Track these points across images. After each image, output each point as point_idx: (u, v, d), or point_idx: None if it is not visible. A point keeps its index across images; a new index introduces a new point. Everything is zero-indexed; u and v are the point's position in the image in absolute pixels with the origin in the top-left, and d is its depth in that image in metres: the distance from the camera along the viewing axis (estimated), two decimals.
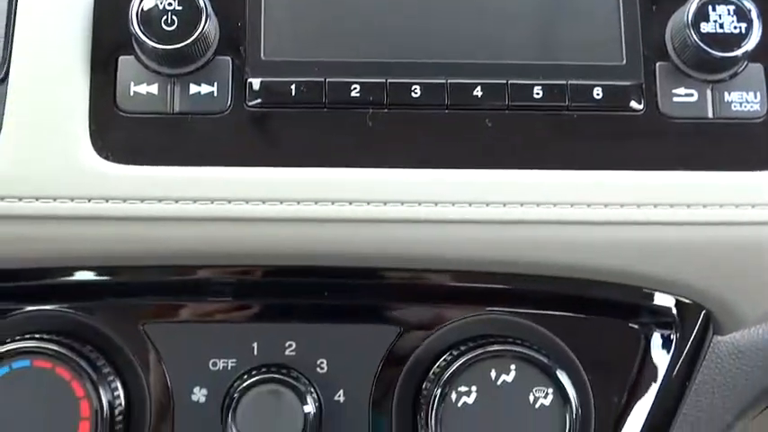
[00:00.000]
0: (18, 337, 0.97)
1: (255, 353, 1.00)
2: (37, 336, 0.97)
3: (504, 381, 0.98)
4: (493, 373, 0.98)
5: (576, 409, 0.97)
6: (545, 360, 0.98)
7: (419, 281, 1.01)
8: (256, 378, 0.98)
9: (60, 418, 0.95)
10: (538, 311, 1.02)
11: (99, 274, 0.99)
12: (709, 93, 0.97)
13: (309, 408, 0.98)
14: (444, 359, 0.99)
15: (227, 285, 1.01)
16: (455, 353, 0.99)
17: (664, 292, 1.03)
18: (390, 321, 1.01)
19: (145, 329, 1.00)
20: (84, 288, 1.00)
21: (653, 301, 1.03)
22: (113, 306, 1.00)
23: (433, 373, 0.99)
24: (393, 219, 0.93)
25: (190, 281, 1.00)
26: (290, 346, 1.01)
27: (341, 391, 1.01)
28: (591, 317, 1.03)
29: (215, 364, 1.00)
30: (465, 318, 1.02)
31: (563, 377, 0.98)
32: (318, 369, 1.01)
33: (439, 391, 0.97)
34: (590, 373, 1.02)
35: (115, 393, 0.97)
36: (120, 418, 0.97)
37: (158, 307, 1.01)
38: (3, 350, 0.95)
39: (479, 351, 0.98)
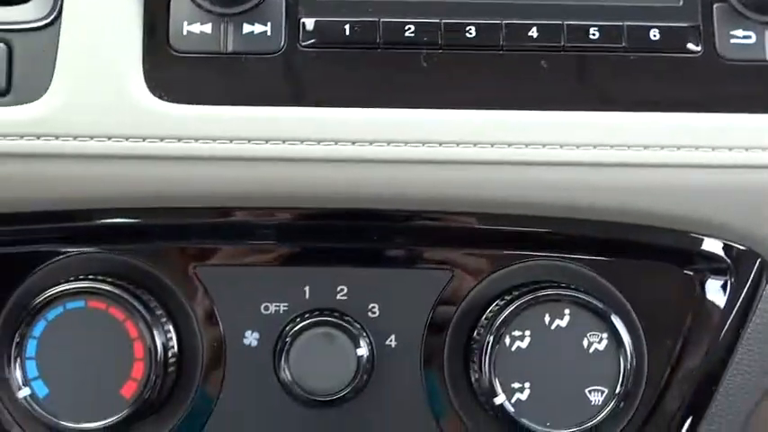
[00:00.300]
0: (72, 279, 0.97)
1: (307, 297, 1.00)
2: (90, 277, 0.97)
3: (557, 325, 0.97)
4: (547, 318, 0.97)
5: (631, 355, 0.97)
6: (600, 305, 0.97)
7: (471, 225, 1.00)
8: (309, 321, 0.98)
9: (114, 358, 0.95)
10: (591, 257, 1.01)
11: (151, 217, 0.99)
12: (767, 35, 0.95)
13: (362, 351, 0.97)
14: (497, 304, 0.99)
15: (278, 229, 1.01)
16: (508, 297, 0.98)
17: (715, 237, 1.01)
18: (442, 266, 1.01)
19: (197, 273, 1.00)
20: (136, 230, 1.00)
21: (702, 246, 1.02)
22: (166, 249, 1.00)
23: (486, 318, 0.99)
24: (448, 160, 0.92)
25: (242, 224, 1.00)
26: (342, 290, 1.00)
27: (392, 337, 1.01)
28: (644, 262, 1.02)
29: (267, 308, 1.00)
30: (518, 263, 1.01)
31: (617, 322, 0.97)
32: (370, 314, 1.00)
33: (492, 335, 0.97)
34: (643, 320, 1.01)
35: (168, 336, 0.98)
36: (172, 360, 0.97)
37: (210, 250, 1.00)
38: (57, 291, 0.95)
39: (533, 295, 0.97)
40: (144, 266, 0.99)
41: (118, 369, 0.95)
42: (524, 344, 0.97)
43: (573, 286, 0.98)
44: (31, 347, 0.95)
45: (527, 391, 0.97)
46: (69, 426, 0.95)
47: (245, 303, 1.00)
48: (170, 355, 0.97)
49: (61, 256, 1.00)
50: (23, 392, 0.95)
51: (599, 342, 0.97)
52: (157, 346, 0.95)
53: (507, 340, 0.97)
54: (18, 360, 0.95)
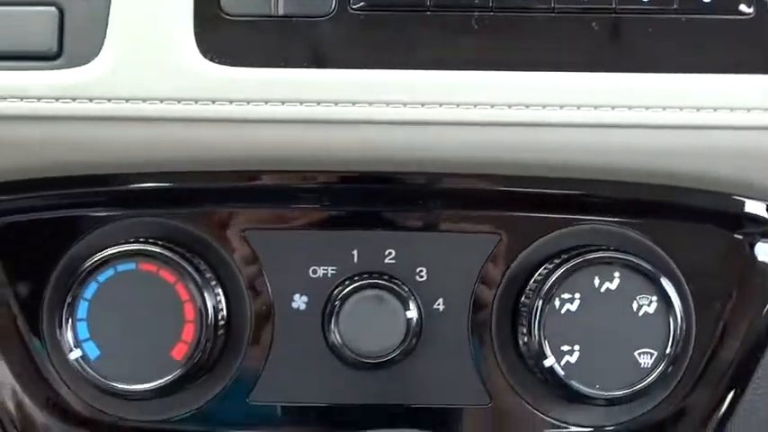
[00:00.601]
0: (122, 242, 0.97)
1: (355, 260, 1.00)
2: (141, 240, 0.97)
3: (607, 288, 0.97)
4: (596, 281, 0.97)
5: (680, 317, 0.97)
6: (650, 267, 0.97)
7: (520, 188, 1.00)
8: (358, 284, 0.98)
9: (165, 321, 0.96)
10: (639, 221, 1.01)
11: (201, 180, 0.99)
12: None
13: (412, 313, 0.98)
14: (546, 267, 0.99)
15: (327, 192, 1.01)
16: (557, 261, 0.98)
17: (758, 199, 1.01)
18: (490, 230, 1.01)
19: (245, 236, 1.00)
20: (186, 194, 1.00)
21: (745, 208, 1.02)
22: (215, 213, 1.00)
23: (535, 281, 0.99)
24: (502, 122, 0.92)
25: (291, 187, 1.00)
26: (390, 254, 1.00)
27: (440, 300, 1.01)
28: (692, 225, 1.02)
29: (315, 272, 1.00)
30: (566, 227, 1.01)
31: (667, 285, 0.97)
32: (418, 277, 1.00)
33: (542, 298, 0.97)
34: (692, 283, 1.01)
35: (218, 299, 0.98)
36: (222, 323, 0.98)
37: (259, 214, 1.01)
38: (108, 253, 0.96)
39: (583, 258, 0.97)
40: (193, 230, 1.00)
41: (168, 331, 0.96)
42: (574, 307, 0.97)
43: (622, 249, 0.98)
44: (82, 309, 0.96)
45: (576, 354, 0.97)
46: (120, 387, 0.95)
47: (293, 267, 1.00)
48: (220, 317, 0.97)
49: (112, 221, 1.00)
50: (74, 354, 0.95)
51: (648, 305, 0.97)
52: (208, 309, 0.96)
53: (557, 303, 0.97)
54: (69, 321, 0.95)
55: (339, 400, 1.01)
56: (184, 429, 1.01)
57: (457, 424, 1.01)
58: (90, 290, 0.96)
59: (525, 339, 0.98)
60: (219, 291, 0.99)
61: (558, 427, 1.02)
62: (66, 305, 0.95)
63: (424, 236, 1.01)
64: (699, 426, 1.03)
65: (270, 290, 1.00)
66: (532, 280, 0.99)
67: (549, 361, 0.96)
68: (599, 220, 1.01)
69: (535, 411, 1.01)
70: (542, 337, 0.96)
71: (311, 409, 1.01)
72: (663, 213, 1.02)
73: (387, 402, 1.01)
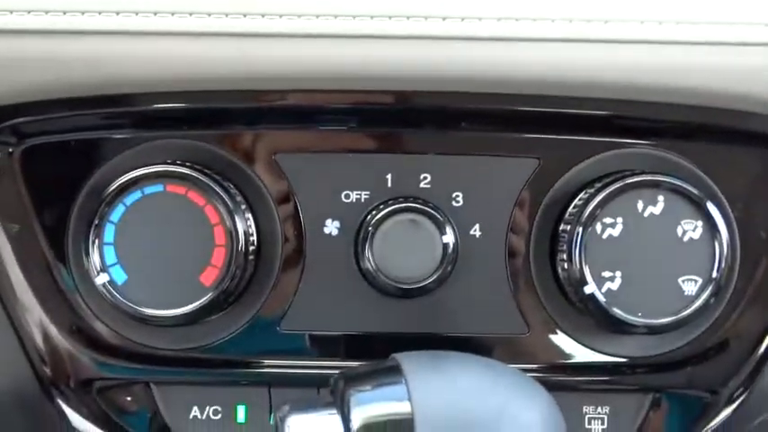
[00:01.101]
0: (150, 164, 0.94)
1: (389, 185, 0.97)
2: (169, 161, 0.94)
3: (651, 213, 0.94)
4: (640, 205, 0.94)
5: (726, 243, 0.93)
6: (695, 191, 0.93)
7: (561, 110, 0.96)
8: (392, 208, 0.95)
9: (194, 245, 0.93)
10: (683, 143, 0.98)
11: (231, 101, 0.95)
12: None
13: (448, 238, 0.94)
14: (587, 191, 0.95)
15: (360, 114, 0.97)
16: (598, 185, 0.95)
17: None
18: (529, 153, 0.97)
19: (276, 159, 0.97)
20: (215, 115, 0.97)
21: None
22: (245, 135, 0.97)
23: (575, 206, 0.95)
24: (528, 38, 0.88)
25: (323, 108, 0.96)
26: (425, 178, 0.97)
27: (477, 226, 0.97)
28: (737, 149, 0.98)
29: (347, 196, 0.97)
30: (608, 150, 0.97)
31: (713, 209, 0.93)
32: (454, 203, 0.97)
33: (582, 223, 0.93)
34: (736, 209, 0.98)
35: (248, 223, 0.95)
36: (253, 248, 0.95)
37: (290, 136, 0.97)
38: (135, 174, 0.93)
39: (626, 181, 0.94)
40: (223, 153, 0.97)
41: (198, 255, 0.93)
42: (616, 232, 0.94)
43: (665, 174, 0.95)
44: (108, 233, 0.93)
45: (618, 281, 0.94)
46: (148, 312, 0.93)
47: (325, 191, 0.97)
48: (250, 242, 0.94)
49: (139, 143, 0.96)
50: (101, 278, 0.92)
51: (693, 230, 0.94)
52: (238, 232, 0.93)
53: (598, 228, 0.94)
54: (96, 245, 0.92)
55: (372, 328, 0.98)
56: (214, 358, 0.98)
57: (493, 353, 0.98)
58: (117, 213, 0.93)
59: (565, 266, 0.95)
60: (249, 215, 0.96)
61: (597, 357, 0.99)
62: (92, 228, 0.92)
63: (461, 159, 0.97)
64: (742, 357, 1.00)
65: (301, 215, 0.97)
66: (572, 205, 0.96)
67: (590, 288, 0.93)
68: (641, 144, 0.98)
69: (573, 341, 0.98)
70: (583, 264, 0.93)
71: (343, 338, 0.98)
72: (707, 136, 0.98)
73: (421, 331, 0.98)
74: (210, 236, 0.93)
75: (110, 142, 0.97)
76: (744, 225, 0.98)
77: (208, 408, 1.00)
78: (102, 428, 1.02)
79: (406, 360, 0.76)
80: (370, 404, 0.74)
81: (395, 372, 0.76)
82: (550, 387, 0.96)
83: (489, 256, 0.98)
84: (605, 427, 1.01)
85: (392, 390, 0.75)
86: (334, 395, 0.77)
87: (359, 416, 0.74)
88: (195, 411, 1.01)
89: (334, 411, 0.75)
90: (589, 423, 1.01)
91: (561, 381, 1.00)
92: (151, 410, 1.01)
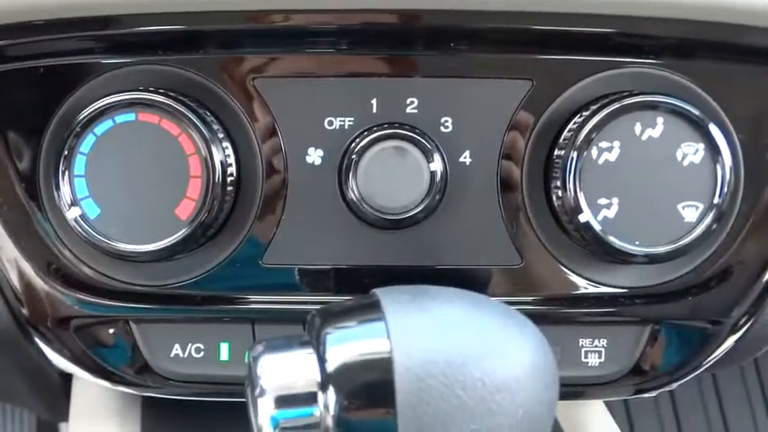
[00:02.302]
0: (122, 91, 0.89)
1: (374, 110, 0.92)
2: (141, 89, 0.89)
3: (650, 136, 0.89)
4: (638, 128, 0.89)
5: (729, 167, 0.89)
6: (696, 112, 0.88)
7: (554, 28, 0.91)
8: (377, 135, 0.90)
9: (168, 176, 0.88)
10: (683, 62, 0.92)
11: (206, 22, 0.90)
12: None
13: (436, 166, 0.90)
14: (581, 114, 0.90)
15: (342, 35, 0.92)
16: (594, 107, 0.90)
17: None
18: (522, 74, 0.92)
19: (255, 85, 0.92)
20: (190, 38, 0.91)
21: None
22: (222, 59, 0.92)
23: (570, 129, 0.90)
24: None
25: (303, 29, 0.91)
26: (412, 103, 0.92)
27: (467, 153, 0.93)
28: (742, 67, 0.93)
29: (331, 123, 0.92)
30: (605, 70, 0.92)
31: (715, 132, 0.88)
32: (442, 128, 0.92)
33: (577, 147, 0.88)
34: (740, 131, 0.93)
35: (226, 153, 0.90)
36: (231, 179, 0.90)
37: (270, 60, 0.92)
38: (105, 103, 0.88)
39: (623, 102, 0.88)
40: (199, 78, 0.92)
41: (172, 188, 0.88)
42: (612, 156, 0.89)
43: (665, 94, 0.90)
44: (79, 164, 0.88)
45: (615, 208, 0.89)
46: (122, 248, 0.89)
47: (307, 118, 0.92)
48: (228, 172, 0.90)
49: (110, 68, 0.92)
50: (73, 212, 0.88)
51: (694, 153, 0.89)
52: (215, 162, 0.88)
53: (594, 152, 0.89)
54: (66, 177, 0.88)
55: (358, 261, 0.94)
56: (194, 294, 0.94)
57: (485, 286, 0.94)
58: (87, 143, 0.88)
59: (559, 193, 0.90)
60: (228, 144, 0.91)
61: (594, 288, 0.94)
62: (62, 159, 0.88)
63: (449, 82, 0.92)
64: (746, 286, 0.96)
65: (283, 143, 0.92)
66: (567, 129, 0.91)
67: (585, 216, 0.88)
68: (640, 63, 0.92)
69: (569, 271, 0.94)
70: (578, 191, 0.89)
71: (328, 272, 0.94)
72: (708, 53, 0.93)
73: (409, 263, 0.94)
74: (185, 167, 0.88)
75: (81, 68, 0.92)
76: (748, 147, 0.93)
77: (189, 345, 0.97)
78: (82, 367, 0.99)
79: (386, 296, 0.72)
80: (347, 343, 0.71)
81: (374, 308, 0.72)
82: (545, 320, 0.94)
83: (480, 184, 0.93)
84: (602, 360, 0.97)
85: (370, 328, 0.71)
86: (309, 333, 0.73)
87: (335, 355, 0.70)
88: (177, 349, 0.97)
89: (311, 350, 0.71)
90: (585, 356, 0.97)
91: (556, 313, 0.96)
92: (131, 349, 0.97)
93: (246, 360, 0.74)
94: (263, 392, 0.70)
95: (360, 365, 0.69)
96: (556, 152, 0.91)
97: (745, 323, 0.97)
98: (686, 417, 1.99)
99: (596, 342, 0.97)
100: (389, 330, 0.69)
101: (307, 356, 0.71)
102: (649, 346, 0.97)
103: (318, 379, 0.70)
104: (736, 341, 0.98)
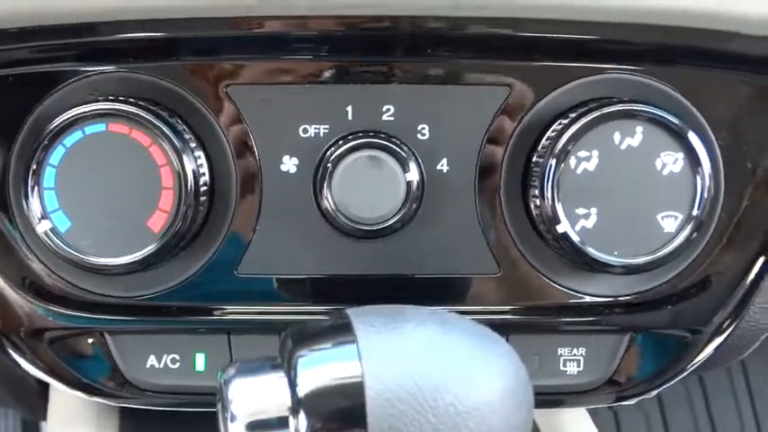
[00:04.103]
0: (91, 101, 0.87)
1: (350, 118, 0.91)
2: (111, 98, 0.88)
3: (629, 145, 0.88)
4: (617, 137, 0.87)
5: (709, 176, 0.87)
6: (675, 121, 0.87)
7: (532, 35, 0.89)
8: (352, 144, 0.89)
9: (141, 188, 0.87)
10: (663, 68, 0.91)
11: (177, 29, 0.88)
12: None
13: (412, 175, 0.88)
14: (560, 122, 0.89)
15: (316, 41, 0.90)
16: (573, 115, 0.88)
17: None
18: (500, 81, 0.90)
19: (228, 92, 0.90)
20: (161, 46, 0.89)
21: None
22: (194, 66, 0.90)
23: (548, 138, 0.89)
24: None
25: (276, 36, 0.89)
26: (388, 110, 0.91)
27: (444, 161, 0.91)
28: (721, 73, 0.92)
29: (305, 131, 0.91)
30: (584, 77, 0.90)
31: (695, 140, 0.87)
32: (419, 136, 0.91)
33: (555, 156, 0.87)
34: (721, 138, 0.91)
35: (198, 162, 0.89)
36: (204, 189, 0.89)
37: (243, 67, 0.90)
38: (74, 114, 0.86)
39: (602, 111, 0.87)
40: (170, 86, 0.90)
41: (144, 199, 0.87)
42: (591, 166, 0.88)
43: (645, 101, 0.88)
44: (49, 177, 0.87)
45: (593, 218, 0.88)
46: (94, 261, 0.87)
47: (281, 126, 0.91)
48: (201, 182, 0.88)
49: (79, 76, 0.90)
50: (43, 226, 0.87)
51: (674, 163, 0.88)
52: (187, 173, 0.87)
53: (572, 162, 0.87)
54: (35, 191, 0.86)
55: (334, 270, 0.93)
56: (168, 305, 0.93)
57: (463, 295, 0.93)
58: (57, 155, 0.87)
59: (537, 202, 0.89)
60: (201, 153, 0.89)
61: (572, 297, 0.93)
62: (30, 173, 0.86)
63: (426, 89, 0.91)
64: (723, 297, 0.95)
65: (257, 151, 0.91)
66: (545, 137, 0.90)
67: (563, 226, 0.87)
68: (619, 69, 0.91)
69: (548, 280, 0.93)
70: (556, 200, 0.87)
71: (304, 281, 0.93)
72: (688, 60, 0.91)
73: (386, 273, 0.93)
74: (157, 178, 0.87)
75: (50, 77, 0.90)
76: (729, 156, 0.92)
77: (165, 356, 0.96)
78: (57, 379, 0.98)
79: (358, 318, 0.71)
80: (318, 367, 0.69)
81: (346, 331, 0.70)
82: (523, 329, 0.93)
83: (457, 192, 0.92)
84: (581, 369, 0.96)
85: (342, 352, 0.70)
86: (281, 355, 0.72)
87: (306, 381, 0.69)
88: (152, 360, 0.96)
89: (282, 374, 0.70)
90: (564, 365, 0.96)
91: (534, 322, 0.95)
92: (106, 360, 0.96)
93: (219, 380, 0.73)
94: (234, 418, 0.69)
95: (331, 391, 0.68)
96: (534, 160, 0.90)
97: (725, 330, 0.97)
98: (672, 413, 1.99)
99: (575, 351, 0.96)
100: (361, 355, 0.68)
101: (278, 380, 0.70)
102: (628, 355, 0.97)
103: (289, 404, 0.69)
104: (715, 348, 0.97)
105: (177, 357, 0.96)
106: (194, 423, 1.03)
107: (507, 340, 0.93)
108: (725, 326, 0.96)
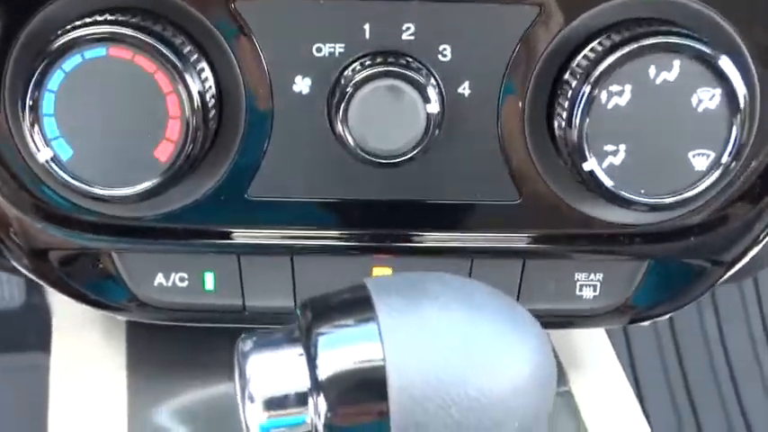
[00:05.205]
0: (89, 20, 0.81)
1: (367, 36, 0.84)
2: (110, 19, 0.81)
3: (664, 80, 0.82)
4: (652, 71, 0.82)
5: (744, 115, 0.83)
6: (715, 55, 0.81)
7: None
8: (369, 72, 0.83)
9: (146, 116, 0.82)
10: None
11: None
12: None
13: (432, 107, 0.83)
14: (592, 49, 0.83)
15: None
16: (607, 44, 0.82)
17: None
18: (530, 0, 0.84)
19: (236, 7, 0.84)
20: None
21: None
22: None
23: (579, 65, 0.84)
24: None
25: None
26: (408, 29, 0.85)
27: (466, 84, 0.86)
28: None
29: (319, 50, 0.85)
30: None
31: (735, 78, 0.82)
32: (440, 57, 0.85)
33: (586, 90, 0.82)
34: (761, 66, 0.86)
35: (206, 85, 0.83)
36: (212, 113, 0.84)
37: None
38: (73, 37, 0.80)
39: (639, 43, 0.81)
40: (175, 1, 0.83)
41: (150, 128, 0.82)
42: (623, 101, 0.82)
43: (684, 29, 0.82)
44: (48, 103, 0.81)
45: (621, 155, 0.84)
46: (99, 192, 0.83)
47: (293, 44, 0.85)
48: (209, 106, 0.83)
49: None
50: (44, 155, 0.82)
51: (710, 99, 0.83)
52: (194, 101, 0.81)
53: (604, 96, 0.82)
54: (34, 117, 0.81)
55: (347, 195, 0.89)
56: (176, 227, 0.90)
57: (481, 221, 0.91)
58: (55, 80, 0.81)
59: (563, 129, 0.84)
60: (208, 74, 0.84)
61: (594, 225, 0.91)
62: (28, 98, 0.81)
63: (449, 7, 0.84)
64: (746, 228, 0.93)
65: (267, 71, 0.85)
66: (576, 63, 0.84)
67: (590, 164, 0.83)
68: None
69: (569, 207, 0.90)
70: (583, 136, 0.83)
71: (316, 205, 0.90)
72: None
73: (402, 198, 0.89)
74: (163, 106, 0.82)
75: None
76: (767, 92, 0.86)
77: (173, 275, 0.94)
78: (63, 293, 0.96)
79: (380, 299, 0.68)
80: (339, 347, 0.68)
81: (367, 309, 0.68)
82: (541, 255, 0.91)
83: (479, 116, 0.87)
84: (597, 293, 0.95)
85: (363, 331, 0.67)
86: (299, 328, 0.70)
87: (326, 362, 0.67)
88: (160, 278, 0.94)
89: (301, 350, 0.68)
90: (580, 290, 0.95)
91: (553, 249, 0.93)
92: (114, 277, 0.94)
93: (236, 350, 0.71)
94: (252, 397, 0.68)
95: (353, 380, 0.66)
96: (565, 78, 0.85)
97: (745, 256, 0.95)
98: (684, 338, 2.01)
99: (592, 276, 0.95)
100: (385, 348, 0.66)
101: (298, 359, 0.68)
102: (645, 282, 0.95)
103: (308, 384, 0.68)
104: (731, 275, 0.96)
105: (185, 276, 0.94)
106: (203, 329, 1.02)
107: (524, 266, 0.93)
108: (745, 254, 0.94)
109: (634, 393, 1.07)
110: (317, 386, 0.67)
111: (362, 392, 0.67)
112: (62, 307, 1.05)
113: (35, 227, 0.91)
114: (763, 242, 0.94)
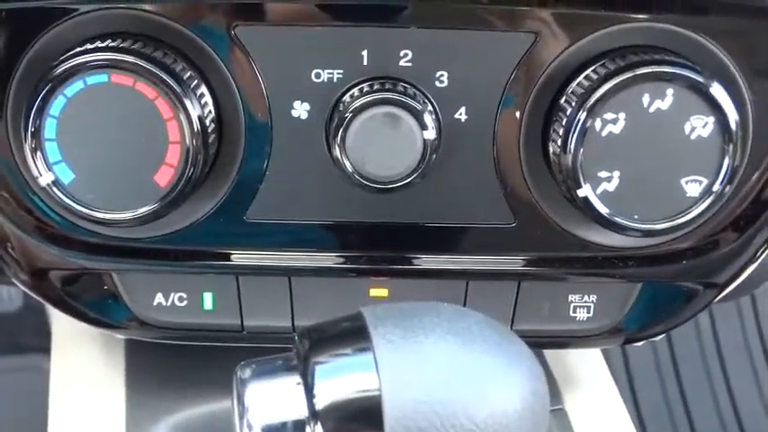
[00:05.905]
0: (90, 47, 0.82)
1: (365, 63, 0.86)
2: (112, 45, 0.82)
3: (658, 108, 0.83)
4: (646, 99, 0.83)
5: (736, 143, 0.84)
6: (708, 83, 0.82)
7: None
8: (368, 99, 0.84)
9: (147, 141, 0.83)
10: (696, 17, 0.85)
11: None
12: None
13: (429, 134, 0.84)
14: (587, 77, 0.84)
15: None
16: (602, 72, 0.83)
17: None
18: (524, 27, 0.85)
19: (236, 33, 0.85)
20: None
21: None
22: (200, 6, 0.84)
23: (573, 92, 0.85)
24: None
25: None
26: (406, 55, 0.86)
27: (462, 109, 0.87)
28: (757, 21, 0.86)
29: (318, 76, 0.86)
30: (614, 25, 0.85)
31: (727, 105, 0.83)
32: (437, 83, 0.86)
33: (582, 116, 0.83)
34: (754, 91, 0.87)
35: (206, 110, 0.84)
36: (212, 138, 0.85)
37: (252, 6, 0.84)
38: (75, 63, 0.81)
39: (633, 72, 0.82)
40: (176, 26, 0.84)
41: (151, 153, 0.83)
42: (617, 128, 0.84)
43: (678, 58, 0.83)
44: (50, 128, 0.82)
45: (615, 181, 0.85)
46: (100, 216, 0.84)
47: (293, 69, 0.86)
48: (209, 131, 0.84)
49: (78, 13, 0.84)
50: (45, 179, 0.83)
51: (703, 127, 0.84)
52: (194, 127, 0.82)
53: (598, 123, 0.83)
54: (36, 142, 0.82)
55: (345, 217, 0.91)
56: (176, 249, 0.92)
57: (476, 245, 0.92)
58: (57, 105, 0.82)
59: (558, 154, 0.85)
60: (208, 99, 0.85)
61: (587, 249, 0.92)
62: (30, 123, 0.82)
63: (447, 34, 0.85)
64: (739, 251, 0.94)
65: (266, 95, 0.87)
66: (571, 90, 0.85)
67: (584, 191, 0.84)
68: (650, 18, 0.85)
69: (563, 231, 0.91)
70: (578, 162, 0.84)
71: (315, 227, 0.91)
72: (724, 8, 0.85)
73: (399, 221, 0.91)
74: (164, 132, 0.83)
75: (44, 13, 0.84)
76: (759, 109, 0.87)
77: (173, 294, 0.95)
78: (63, 311, 0.97)
79: (377, 330, 0.69)
80: (336, 380, 0.69)
81: (363, 340, 0.69)
82: (535, 278, 0.92)
83: (475, 141, 0.88)
84: (591, 315, 0.96)
85: (359, 362, 0.69)
86: (297, 356, 0.71)
87: (323, 392, 0.68)
88: (160, 298, 0.95)
89: (299, 379, 0.70)
90: (574, 311, 0.96)
91: (548, 271, 0.94)
92: (114, 297, 0.96)
93: (234, 377, 0.72)
94: (250, 425, 0.69)
95: (349, 410, 0.68)
96: (558, 114, 0.86)
97: (738, 277, 0.96)
98: (685, 365, 2.01)
99: (586, 298, 0.96)
100: (381, 379, 0.67)
101: (295, 386, 0.70)
102: (639, 303, 0.96)
103: (306, 412, 0.69)
104: (722, 297, 0.97)
105: (185, 296, 0.95)
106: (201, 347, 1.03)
107: (519, 288, 0.94)
108: (738, 275, 0.96)
109: (632, 407, 1.08)
110: (314, 415, 0.69)
111: (358, 422, 0.68)
112: (61, 315, 1.05)
113: (36, 246, 0.92)
114: (756, 263, 0.95)
